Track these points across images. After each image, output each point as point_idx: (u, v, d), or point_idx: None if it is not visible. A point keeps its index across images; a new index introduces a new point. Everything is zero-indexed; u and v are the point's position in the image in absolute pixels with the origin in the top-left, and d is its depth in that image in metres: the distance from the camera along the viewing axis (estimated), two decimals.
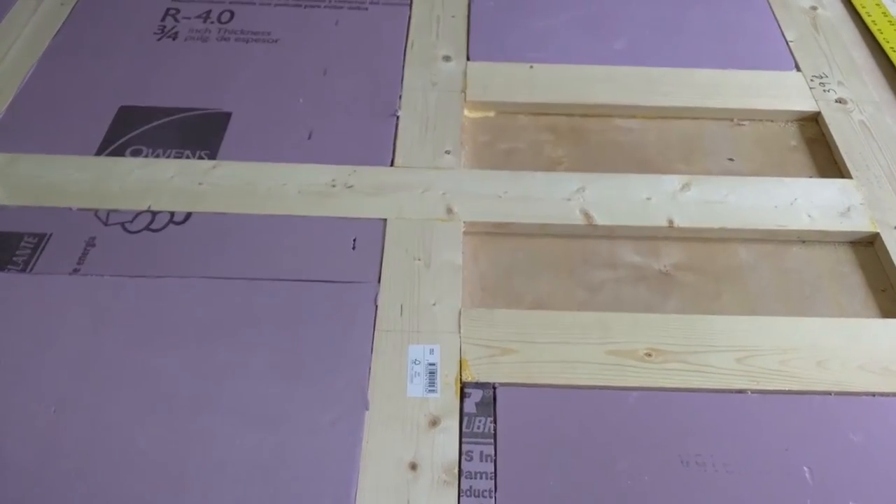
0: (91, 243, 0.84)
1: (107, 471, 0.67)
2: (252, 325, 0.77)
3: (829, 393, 0.73)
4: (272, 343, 0.76)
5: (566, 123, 1.01)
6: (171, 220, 0.87)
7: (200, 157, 0.94)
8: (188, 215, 0.87)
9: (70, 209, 0.87)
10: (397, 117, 1.00)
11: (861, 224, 0.87)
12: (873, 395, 0.73)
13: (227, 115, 0.99)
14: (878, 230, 0.87)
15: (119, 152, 0.94)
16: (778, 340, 0.76)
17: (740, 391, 0.73)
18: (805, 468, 0.68)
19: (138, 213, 0.87)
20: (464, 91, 1.03)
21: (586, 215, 0.88)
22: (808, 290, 0.83)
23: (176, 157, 0.94)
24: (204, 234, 0.85)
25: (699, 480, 0.67)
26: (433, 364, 0.74)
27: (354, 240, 0.85)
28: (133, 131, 0.97)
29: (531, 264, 0.85)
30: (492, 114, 1.03)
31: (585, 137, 0.99)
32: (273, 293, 0.80)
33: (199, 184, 0.91)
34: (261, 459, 0.67)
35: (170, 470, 0.67)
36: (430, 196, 0.90)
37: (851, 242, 0.88)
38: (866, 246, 0.88)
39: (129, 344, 0.75)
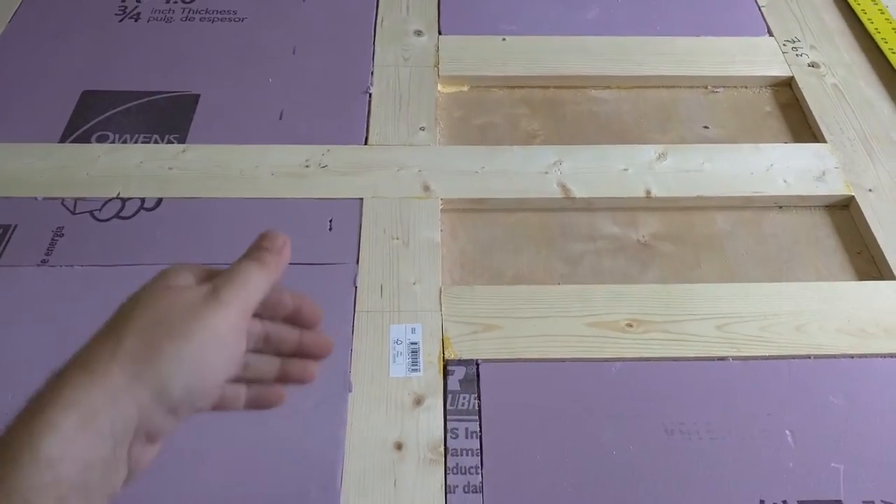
0: (59, 233, 0.81)
1: None
2: None
3: (808, 357, 0.73)
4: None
5: (541, 96, 1.00)
6: (141, 207, 0.85)
7: (169, 142, 0.92)
8: (159, 201, 0.85)
9: (35, 199, 0.85)
10: (370, 94, 0.98)
11: (836, 188, 0.88)
12: (851, 356, 0.74)
13: (196, 98, 0.97)
14: (853, 193, 0.87)
15: (84, 139, 0.92)
16: (757, 306, 0.77)
17: (721, 358, 0.73)
18: (787, 432, 0.68)
19: (107, 201, 0.85)
20: (436, 66, 1.02)
21: (564, 188, 0.87)
22: (786, 256, 0.84)
23: (144, 142, 0.92)
24: (176, 220, 0.83)
25: (684, 448, 0.67)
26: (415, 343, 0.73)
27: (331, 221, 0.84)
28: (98, 116, 0.94)
29: (510, 239, 0.85)
30: (466, 88, 1.01)
31: (561, 109, 0.99)
32: None
33: (170, 168, 0.88)
34: (243, 446, 0.67)
35: None
36: (406, 174, 0.88)
37: (827, 206, 0.88)
38: (841, 209, 0.88)
39: None
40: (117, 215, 0.83)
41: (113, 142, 0.92)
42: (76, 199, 0.85)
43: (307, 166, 0.89)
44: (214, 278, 0.39)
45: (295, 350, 0.44)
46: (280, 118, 0.95)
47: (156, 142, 0.92)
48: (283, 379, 0.44)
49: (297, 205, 0.85)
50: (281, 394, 0.44)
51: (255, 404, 0.43)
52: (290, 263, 0.79)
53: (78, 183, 0.86)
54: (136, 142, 0.92)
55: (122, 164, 0.88)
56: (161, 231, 0.82)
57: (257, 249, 0.42)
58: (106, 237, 0.81)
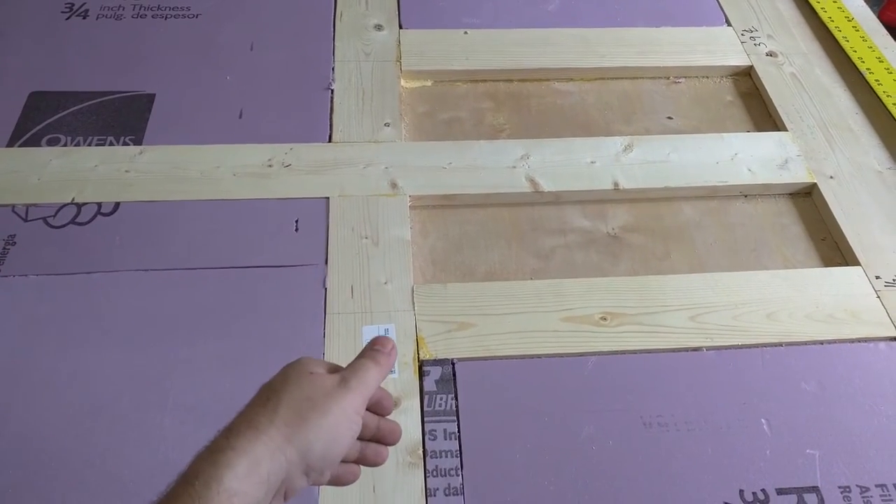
0: (10, 241, 0.78)
1: (48, 482, 0.62)
2: (195, 318, 0.73)
3: (780, 344, 0.74)
4: (218, 335, 0.72)
5: (505, 89, 1.00)
6: (98, 212, 0.81)
7: (125, 143, 0.89)
8: (116, 205, 0.82)
9: None
10: (332, 91, 0.96)
11: (799, 175, 0.89)
12: (821, 343, 0.75)
13: (151, 97, 0.94)
14: (815, 180, 0.89)
15: (34, 142, 0.88)
16: (728, 296, 0.77)
17: (696, 349, 0.74)
18: (763, 420, 0.69)
19: (62, 207, 0.81)
20: (398, 60, 1.00)
21: (532, 182, 0.87)
22: (753, 244, 0.84)
23: (98, 145, 0.88)
24: (135, 225, 0.80)
25: (662, 440, 0.67)
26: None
27: (297, 221, 0.82)
28: (47, 118, 0.90)
29: (481, 235, 0.84)
30: (429, 83, 1.00)
31: (525, 103, 0.98)
32: (215, 282, 0.76)
33: (126, 171, 0.85)
34: None
35: (118, 475, 0.63)
36: (372, 171, 0.87)
37: (790, 194, 0.90)
38: (805, 197, 0.89)
39: (61, 346, 0.70)
40: (73, 221, 0.80)
41: (65, 145, 0.88)
42: (28, 206, 0.81)
43: (270, 166, 0.86)
44: (341, 371, 0.48)
45: (372, 435, 0.50)
46: (240, 117, 0.92)
47: (111, 144, 0.89)
48: (361, 460, 0.50)
49: (262, 205, 0.83)
50: (357, 474, 0.50)
51: (338, 481, 0.50)
52: (257, 267, 0.78)
53: (29, 188, 0.82)
54: (89, 144, 0.88)
55: (76, 168, 0.85)
56: (120, 237, 0.79)
57: (372, 350, 0.50)
58: (61, 244, 0.78)
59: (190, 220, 0.81)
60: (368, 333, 0.73)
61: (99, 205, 0.82)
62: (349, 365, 0.49)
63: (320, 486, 0.62)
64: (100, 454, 0.64)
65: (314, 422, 0.44)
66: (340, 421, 0.45)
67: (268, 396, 0.45)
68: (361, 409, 0.47)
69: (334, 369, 0.49)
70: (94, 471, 0.63)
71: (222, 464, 0.41)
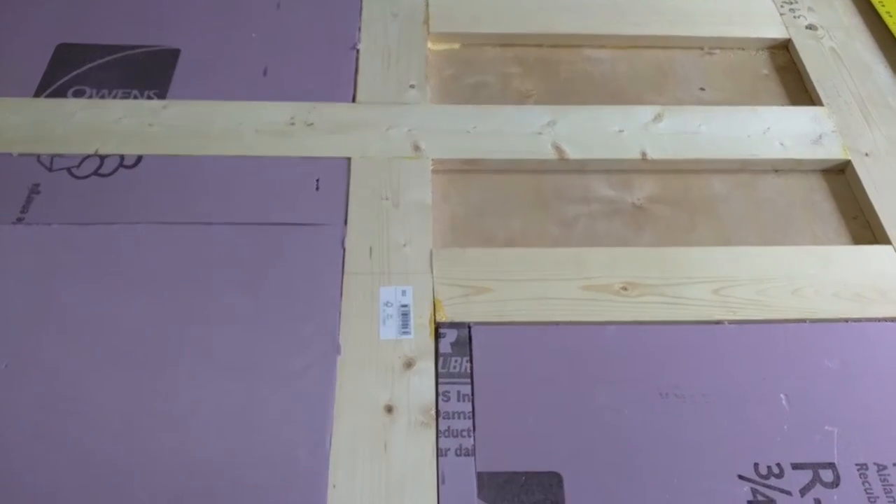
0: (35, 190, 0.78)
1: (67, 427, 0.63)
2: (213, 272, 0.73)
3: (803, 321, 0.73)
4: (235, 290, 0.72)
5: (534, 55, 0.98)
6: (121, 164, 0.82)
7: (149, 97, 0.88)
8: (139, 158, 0.82)
9: (10, 155, 0.81)
10: (357, 51, 0.95)
11: (833, 151, 0.86)
12: (846, 321, 0.73)
13: (176, 52, 0.93)
14: (850, 157, 0.86)
15: (60, 93, 0.88)
16: (753, 270, 0.76)
17: (717, 322, 0.72)
18: (782, 395, 0.68)
19: (85, 158, 0.81)
20: (426, 22, 0.98)
21: (558, 149, 0.85)
22: (782, 220, 0.82)
23: (123, 98, 0.88)
24: (157, 178, 0.80)
25: (678, 412, 0.66)
26: (406, 306, 0.71)
27: (317, 180, 0.81)
28: (74, 71, 0.90)
29: (503, 201, 0.83)
30: (457, 46, 0.98)
31: (555, 69, 0.96)
32: (234, 238, 0.76)
33: (150, 125, 0.85)
34: (229, 409, 0.65)
35: (134, 424, 0.64)
36: (395, 133, 0.86)
37: (823, 171, 0.87)
38: (838, 174, 0.87)
39: (82, 294, 0.71)
40: (96, 172, 0.80)
41: (90, 97, 0.88)
42: (53, 156, 0.81)
43: (292, 124, 0.86)
44: None
45: None
46: (264, 74, 0.92)
47: (135, 97, 0.88)
48: None
49: (283, 163, 0.83)
50: None
51: None
52: (276, 224, 0.78)
53: (55, 139, 0.83)
54: (114, 97, 0.88)
55: (101, 120, 0.85)
56: (141, 189, 0.79)
57: None
58: (84, 195, 0.78)
59: (211, 176, 0.81)
60: (385, 294, 0.72)
61: (122, 157, 0.82)
62: None
63: (331, 444, 0.62)
64: (116, 401, 0.65)
65: None
66: None
67: None
68: None
69: None
70: (110, 417, 0.64)
71: None
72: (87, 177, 0.80)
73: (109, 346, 0.68)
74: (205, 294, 0.72)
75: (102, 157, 0.82)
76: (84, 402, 0.65)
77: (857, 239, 0.81)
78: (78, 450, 0.62)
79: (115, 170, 0.81)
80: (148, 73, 0.91)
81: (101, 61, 0.92)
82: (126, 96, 0.89)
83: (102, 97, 0.88)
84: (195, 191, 0.80)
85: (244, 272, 0.73)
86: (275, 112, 0.87)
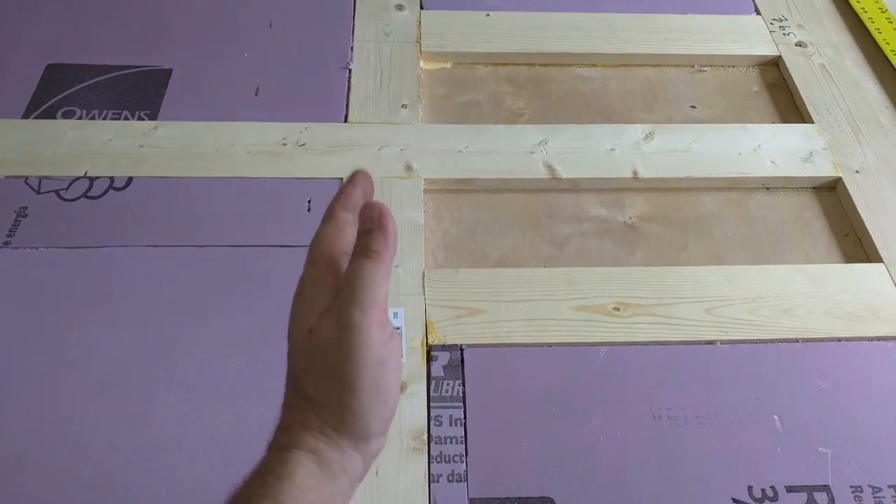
0: (22, 213, 0.78)
1: (54, 455, 0.63)
2: (204, 295, 0.73)
3: (796, 340, 0.73)
4: (226, 313, 0.72)
5: (526, 73, 0.98)
6: (111, 186, 0.81)
7: (140, 118, 0.88)
8: (130, 180, 0.82)
9: None
10: (349, 70, 0.95)
11: (824, 169, 0.87)
12: (839, 340, 0.73)
13: (168, 73, 0.93)
14: (840, 174, 0.86)
15: (49, 114, 0.88)
16: (746, 289, 0.76)
17: (710, 342, 0.72)
18: (775, 416, 0.67)
19: (74, 180, 0.81)
20: (418, 41, 0.98)
21: (550, 168, 0.85)
22: (774, 238, 0.82)
23: (113, 119, 0.88)
24: (148, 200, 0.80)
25: (671, 434, 0.66)
26: (398, 328, 0.71)
27: (309, 201, 0.81)
28: (63, 91, 0.90)
29: (495, 221, 0.82)
30: (449, 65, 0.98)
31: (546, 87, 0.96)
32: (225, 260, 0.76)
33: (140, 146, 0.85)
34: (219, 435, 0.64)
35: (122, 451, 0.63)
36: (387, 153, 0.86)
37: (814, 188, 0.87)
38: (828, 191, 0.87)
39: (70, 320, 0.70)
40: (85, 195, 0.80)
41: (80, 118, 0.88)
42: (41, 178, 0.81)
43: (284, 144, 0.86)
44: (339, 295, 0.39)
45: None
46: (256, 94, 0.92)
47: (126, 118, 0.88)
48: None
49: (274, 184, 0.82)
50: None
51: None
52: (267, 246, 0.77)
53: (43, 161, 0.82)
54: (104, 118, 0.88)
55: (91, 142, 0.85)
56: (132, 212, 0.79)
57: (361, 241, 0.41)
58: (73, 218, 0.78)
59: (202, 197, 0.81)
60: None
61: (112, 179, 0.82)
62: (345, 281, 0.39)
63: None
64: (103, 428, 0.64)
65: (353, 404, 0.38)
66: (375, 374, 0.38)
67: (296, 395, 0.40)
68: (384, 330, 0.39)
69: (331, 280, 0.40)
70: (97, 444, 0.63)
71: (292, 461, 0.37)
72: (75, 199, 0.79)
73: (97, 372, 0.67)
74: (195, 318, 0.71)
75: (92, 180, 0.81)
76: (72, 431, 0.64)
77: (848, 257, 0.81)
78: (65, 478, 0.61)
79: (105, 192, 0.81)
80: (139, 93, 0.91)
81: (91, 82, 0.91)
82: (117, 117, 0.88)
83: (92, 118, 0.88)
84: (186, 213, 0.79)
85: (236, 295, 0.73)
86: (267, 132, 0.87)
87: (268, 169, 0.83)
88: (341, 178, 0.82)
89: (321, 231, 0.42)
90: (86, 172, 0.82)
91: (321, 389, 0.39)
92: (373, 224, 0.40)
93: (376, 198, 0.81)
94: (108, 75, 0.92)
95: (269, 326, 0.71)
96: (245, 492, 0.37)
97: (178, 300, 0.72)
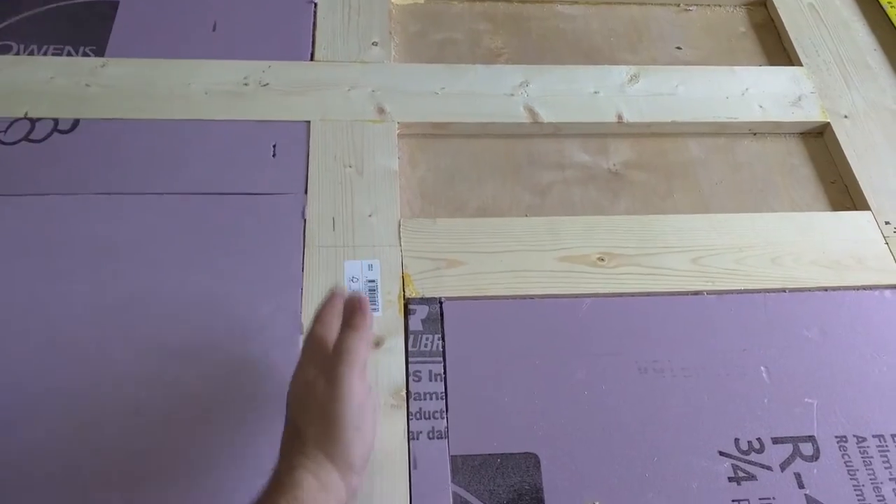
0: None
1: (4, 418, 0.58)
2: (160, 248, 0.68)
3: (783, 290, 0.71)
4: (186, 266, 0.67)
5: (504, 10, 0.92)
6: (55, 129, 0.75)
7: (86, 54, 0.81)
8: (76, 122, 0.75)
9: None
10: (315, 4, 0.88)
11: (812, 114, 0.84)
12: (825, 289, 0.71)
13: (114, 4, 0.86)
14: (829, 120, 0.83)
15: None
16: (732, 238, 0.73)
17: (696, 293, 0.70)
18: (762, 368, 0.66)
19: (13, 122, 0.74)
20: None
21: (531, 112, 0.81)
22: (760, 185, 0.80)
23: (55, 54, 0.81)
24: (97, 144, 0.74)
25: (658, 387, 0.64)
26: (373, 281, 0.67)
27: (274, 146, 0.76)
28: None
29: (473, 167, 0.78)
30: (422, 0, 0.92)
31: (526, 26, 0.91)
32: (183, 209, 0.70)
33: (87, 85, 0.78)
34: (183, 398, 0.60)
35: (78, 414, 0.59)
36: (357, 94, 0.80)
37: (802, 133, 0.85)
38: (816, 137, 0.85)
39: (13, 274, 0.65)
40: (26, 138, 0.73)
41: (17, 53, 0.80)
42: None
43: (246, 84, 0.80)
44: (331, 358, 0.51)
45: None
46: (213, 29, 0.85)
47: (69, 54, 0.81)
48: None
49: (236, 127, 0.76)
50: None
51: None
52: (230, 194, 0.72)
53: None
54: (45, 54, 0.80)
55: (31, 80, 0.77)
56: (79, 156, 0.73)
57: (347, 317, 0.53)
58: (13, 163, 0.71)
59: (156, 141, 0.74)
60: (351, 269, 0.68)
61: (56, 121, 0.75)
62: (334, 347, 0.51)
63: None
64: (59, 391, 0.59)
65: (339, 436, 0.48)
66: (355, 416, 0.49)
67: (294, 433, 0.50)
68: (363, 384, 0.50)
69: (324, 355, 0.51)
70: (53, 407, 0.59)
71: (298, 476, 0.47)
72: (16, 143, 0.72)
73: (45, 330, 0.62)
74: (152, 272, 0.66)
75: (33, 121, 0.74)
76: (22, 396, 0.59)
77: (835, 204, 0.79)
78: (22, 441, 0.57)
79: (49, 135, 0.74)
80: (83, 26, 0.83)
81: (29, 13, 0.83)
82: (59, 53, 0.81)
83: (32, 54, 0.80)
84: (139, 158, 0.73)
85: (196, 247, 0.68)
86: (226, 71, 0.80)
87: (228, 111, 0.77)
88: (308, 122, 0.77)
89: (313, 329, 0.54)
90: (26, 113, 0.75)
91: (315, 426, 0.49)
92: (354, 309, 0.53)
93: (347, 141, 0.77)
94: (49, 6, 0.84)
95: (233, 280, 0.66)
96: (267, 496, 0.46)
97: (132, 253, 0.67)
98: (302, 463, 0.48)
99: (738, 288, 0.70)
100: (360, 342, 0.51)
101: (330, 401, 0.49)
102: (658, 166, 0.80)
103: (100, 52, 0.81)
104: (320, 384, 0.50)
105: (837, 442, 0.63)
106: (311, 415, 0.49)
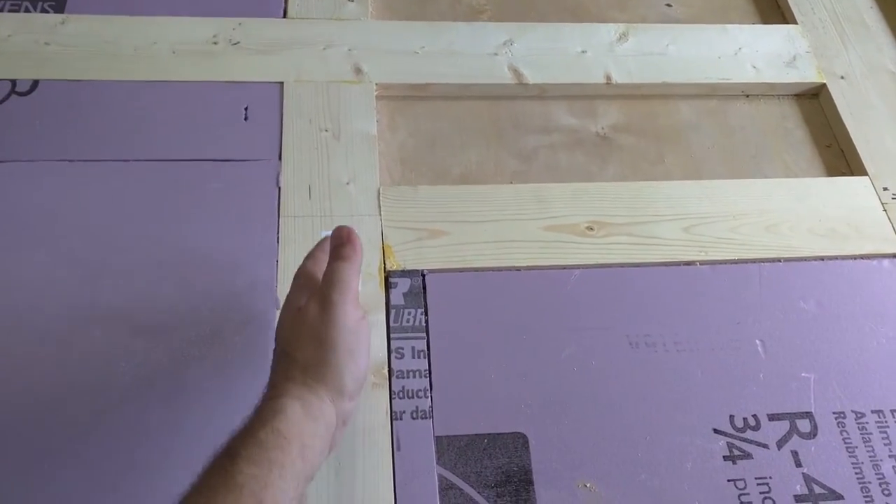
0: None
1: None
2: (127, 218, 0.64)
3: (778, 259, 0.68)
4: (153, 238, 0.63)
5: None
6: (12, 91, 0.70)
7: (44, 10, 0.76)
8: (35, 84, 0.71)
9: None
10: None
11: (807, 74, 0.81)
12: (822, 259, 0.69)
13: None
14: (825, 81, 0.80)
15: None
16: (726, 205, 0.71)
17: (689, 263, 0.67)
18: (757, 341, 0.64)
19: None
20: None
21: (515, 72, 0.77)
22: (754, 149, 0.77)
23: (12, 11, 0.76)
24: (57, 107, 0.69)
25: (650, 361, 0.62)
26: None
27: (246, 109, 0.72)
28: None
29: (456, 132, 0.74)
30: None
31: None
32: (150, 177, 0.66)
33: (46, 44, 0.73)
34: (155, 375, 0.57)
35: (48, 391, 0.55)
36: (333, 53, 0.76)
37: (796, 95, 0.82)
38: (811, 98, 0.82)
39: None
40: None
41: None
42: None
43: (215, 43, 0.75)
44: (321, 287, 0.50)
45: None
46: None
47: (27, 10, 0.76)
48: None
49: (205, 88, 0.72)
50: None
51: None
52: (199, 160, 0.68)
53: None
54: (1, 10, 0.75)
55: None
56: (38, 120, 0.68)
57: (335, 250, 0.52)
58: None
59: (121, 104, 0.70)
60: None
61: (13, 82, 0.70)
62: (324, 277, 0.51)
63: None
64: (21, 366, 0.56)
65: (331, 359, 0.47)
66: (349, 340, 0.48)
67: (285, 361, 0.49)
68: (357, 310, 0.50)
69: (314, 286, 0.51)
70: (15, 385, 0.55)
71: (282, 404, 0.45)
72: None
73: (8, 308, 0.58)
74: (118, 244, 0.62)
75: None
76: None
77: (831, 169, 0.77)
78: None
79: (6, 97, 0.70)
80: None
81: None
82: (15, 9, 0.76)
83: None
84: (103, 122, 0.69)
85: (164, 217, 0.64)
86: (195, 29, 0.76)
87: (197, 71, 0.73)
88: (282, 83, 0.73)
89: (303, 265, 0.54)
90: None
91: (306, 351, 0.48)
92: (343, 241, 0.52)
93: (323, 104, 0.73)
94: None
95: (204, 251, 0.63)
96: (247, 427, 0.44)
97: (96, 224, 0.63)
98: (288, 390, 0.46)
99: (732, 258, 0.68)
100: (350, 272, 0.50)
101: (322, 324, 0.48)
102: (648, 130, 0.77)
103: (59, 9, 0.76)
104: (312, 309, 0.49)
105: (835, 418, 0.61)
106: (303, 339, 0.48)
